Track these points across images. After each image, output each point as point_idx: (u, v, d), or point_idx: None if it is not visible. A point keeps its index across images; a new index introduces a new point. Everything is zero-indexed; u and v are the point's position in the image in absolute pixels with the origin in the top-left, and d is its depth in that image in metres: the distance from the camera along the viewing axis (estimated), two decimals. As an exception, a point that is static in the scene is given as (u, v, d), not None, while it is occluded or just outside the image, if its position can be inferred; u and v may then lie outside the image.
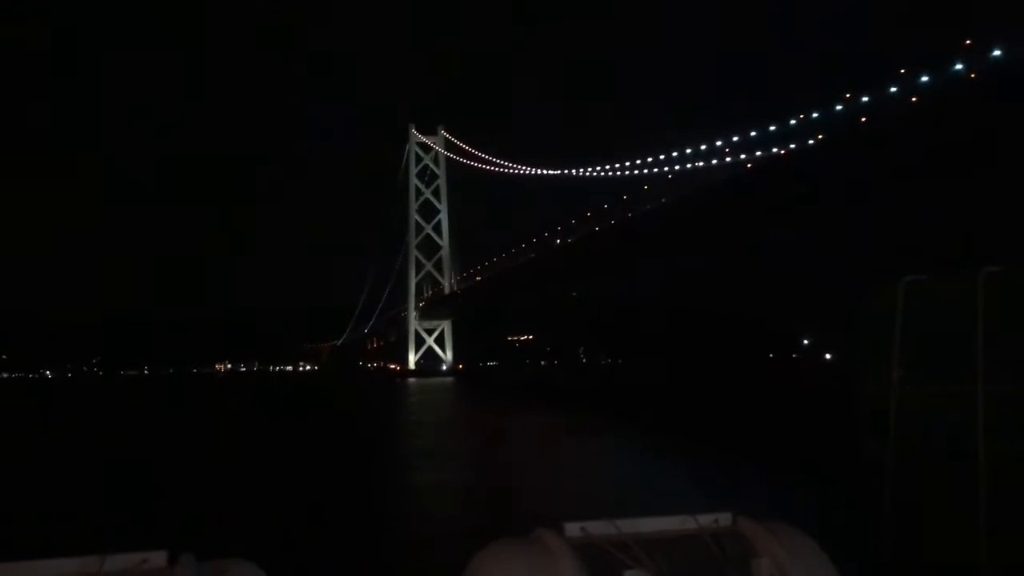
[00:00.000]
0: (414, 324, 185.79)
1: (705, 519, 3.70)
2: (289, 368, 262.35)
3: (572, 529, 3.57)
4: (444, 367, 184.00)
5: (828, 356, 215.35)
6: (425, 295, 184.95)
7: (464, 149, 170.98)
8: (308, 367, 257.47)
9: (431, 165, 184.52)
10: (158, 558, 3.21)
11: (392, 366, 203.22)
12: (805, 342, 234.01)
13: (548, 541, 3.45)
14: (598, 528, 3.57)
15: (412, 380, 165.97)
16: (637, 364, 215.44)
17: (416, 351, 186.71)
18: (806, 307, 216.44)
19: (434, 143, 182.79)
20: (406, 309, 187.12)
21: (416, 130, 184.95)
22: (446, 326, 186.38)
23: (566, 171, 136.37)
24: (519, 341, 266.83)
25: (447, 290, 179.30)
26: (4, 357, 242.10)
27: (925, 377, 6.81)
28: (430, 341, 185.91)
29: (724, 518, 3.72)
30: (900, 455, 6.81)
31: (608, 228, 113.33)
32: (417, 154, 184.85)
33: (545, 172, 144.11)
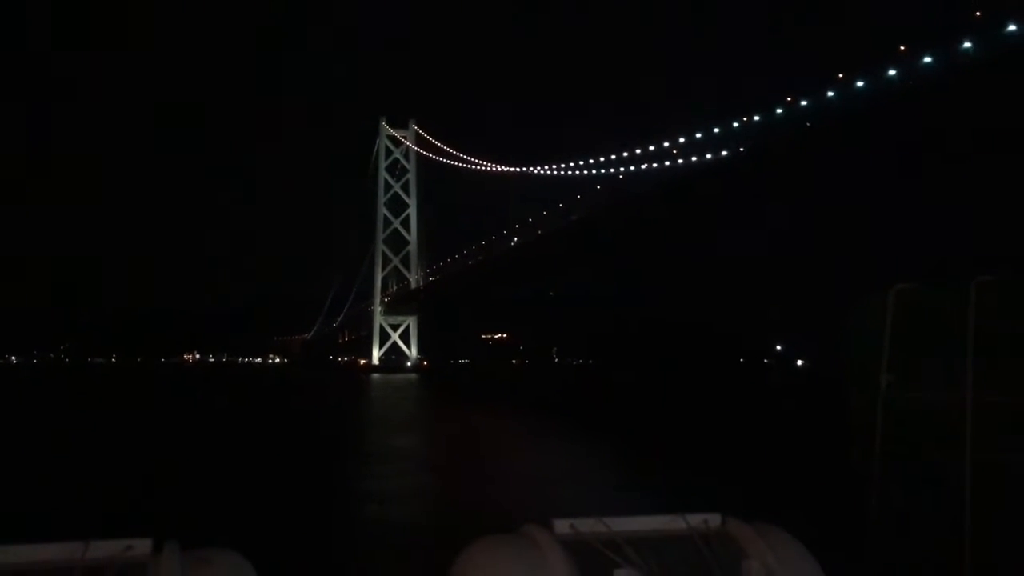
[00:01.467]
0: (379, 319, 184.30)
1: (694, 519, 3.70)
2: (258, 360, 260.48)
3: (561, 526, 3.55)
4: (408, 363, 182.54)
5: (800, 363, 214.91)
6: (391, 290, 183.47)
7: (435, 144, 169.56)
8: (278, 359, 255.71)
9: (401, 159, 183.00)
10: (142, 545, 3.23)
11: (362, 361, 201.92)
12: (778, 348, 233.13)
13: (537, 537, 3.43)
14: (587, 526, 3.56)
15: (375, 376, 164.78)
16: (608, 366, 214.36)
17: (381, 346, 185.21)
18: (779, 312, 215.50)
19: (405, 137, 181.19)
20: (373, 304, 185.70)
21: (387, 123, 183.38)
22: (411, 322, 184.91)
23: (534, 169, 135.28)
24: (493, 339, 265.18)
25: (413, 285, 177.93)
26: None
27: (913, 385, 6.78)
28: (395, 337, 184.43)
29: (713, 519, 3.72)
30: (886, 462, 6.78)
31: (545, 235, 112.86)
32: (387, 148, 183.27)
33: (511, 169, 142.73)
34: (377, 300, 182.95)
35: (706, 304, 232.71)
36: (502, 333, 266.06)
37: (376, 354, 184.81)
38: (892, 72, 63.06)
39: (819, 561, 3.53)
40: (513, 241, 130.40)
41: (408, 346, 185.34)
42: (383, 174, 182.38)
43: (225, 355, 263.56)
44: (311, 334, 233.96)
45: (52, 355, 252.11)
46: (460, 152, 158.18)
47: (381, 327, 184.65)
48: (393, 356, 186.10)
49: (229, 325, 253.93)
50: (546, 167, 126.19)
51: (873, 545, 6.88)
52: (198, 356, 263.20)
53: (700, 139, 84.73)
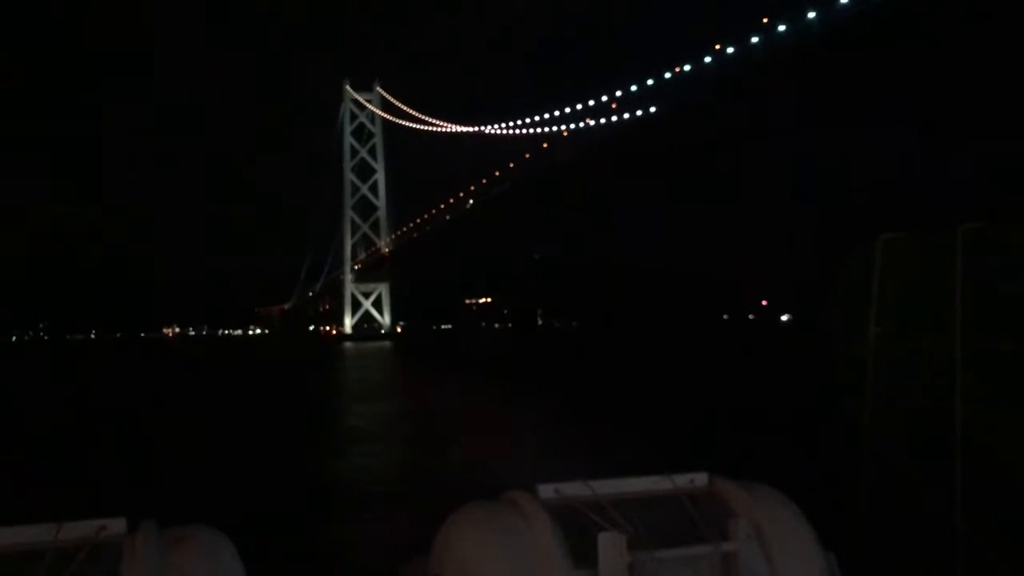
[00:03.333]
0: (350, 287, 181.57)
1: (681, 479, 3.68)
2: (239, 332, 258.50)
3: (546, 491, 3.54)
4: (382, 331, 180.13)
5: (784, 317, 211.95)
6: (360, 257, 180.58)
7: (399, 108, 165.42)
8: (258, 331, 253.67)
9: (367, 123, 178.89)
10: (117, 525, 3.20)
11: (335, 330, 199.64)
12: (764, 303, 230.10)
13: (522, 503, 3.45)
14: (572, 489, 3.56)
15: (348, 344, 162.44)
16: (593, 327, 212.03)
17: (353, 314, 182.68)
18: (764, 267, 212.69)
19: (369, 100, 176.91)
20: (343, 272, 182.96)
21: (351, 86, 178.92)
22: (384, 288, 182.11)
23: (487, 128, 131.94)
24: (477, 304, 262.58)
25: (384, 251, 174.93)
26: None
27: (902, 335, 6.74)
28: (367, 304, 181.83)
29: (700, 479, 3.70)
30: (876, 414, 6.71)
31: (490, 198, 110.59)
32: (352, 112, 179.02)
33: (466, 129, 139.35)
34: (347, 268, 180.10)
35: (689, 259, 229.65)
36: (486, 297, 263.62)
37: (348, 323, 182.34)
38: (812, 15, 60.03)
39: (808, 517, 3.43)
40: (469, 203, 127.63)
41: (381, 313, 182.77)
42: (348, 139, 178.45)
43: (205, 328, 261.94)
44: (290, 304, 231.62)
45: (31, 332, 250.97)
46: (425, 114, 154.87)
47: (353, 295, 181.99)
48: (371, 324, 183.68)
49: (209, 297, 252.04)
50: (498, 126, 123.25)
51: (862, 496, 6.74)
52: (178, 330, 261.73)
53: (635, 92, 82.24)
